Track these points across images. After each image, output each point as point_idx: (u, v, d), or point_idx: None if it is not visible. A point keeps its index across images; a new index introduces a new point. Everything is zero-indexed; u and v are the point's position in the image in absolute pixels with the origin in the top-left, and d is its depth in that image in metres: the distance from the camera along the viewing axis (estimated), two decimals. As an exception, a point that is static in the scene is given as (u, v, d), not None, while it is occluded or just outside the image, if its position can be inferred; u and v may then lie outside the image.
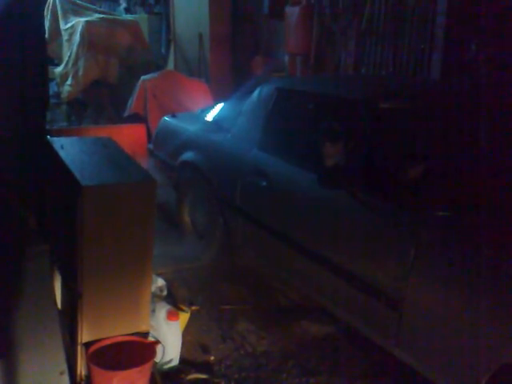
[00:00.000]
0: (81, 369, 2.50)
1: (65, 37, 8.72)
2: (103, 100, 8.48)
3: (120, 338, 2.51)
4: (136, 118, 6.95)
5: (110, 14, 9.66)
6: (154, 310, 2.82)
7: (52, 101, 8.23)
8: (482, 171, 2.62)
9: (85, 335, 2.45)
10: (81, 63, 8.31)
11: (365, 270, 2.71)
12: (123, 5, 11.55)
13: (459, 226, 2.42)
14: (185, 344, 3.00)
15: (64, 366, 2.37)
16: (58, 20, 8.91)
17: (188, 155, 4.24)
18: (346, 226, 2.89)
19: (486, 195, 2.46)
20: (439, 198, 2.52)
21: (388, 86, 3.73)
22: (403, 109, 3.02)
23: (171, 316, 2.84)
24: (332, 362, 3.04)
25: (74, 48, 8.43)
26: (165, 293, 3.11)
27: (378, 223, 2.69)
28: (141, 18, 10.19)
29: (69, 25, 8.69)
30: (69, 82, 8.41)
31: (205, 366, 2.97)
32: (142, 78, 7.27)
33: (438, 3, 5.25)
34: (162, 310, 2.86)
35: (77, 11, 8.96)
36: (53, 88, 8.75)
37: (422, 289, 2.42)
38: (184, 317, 3.05)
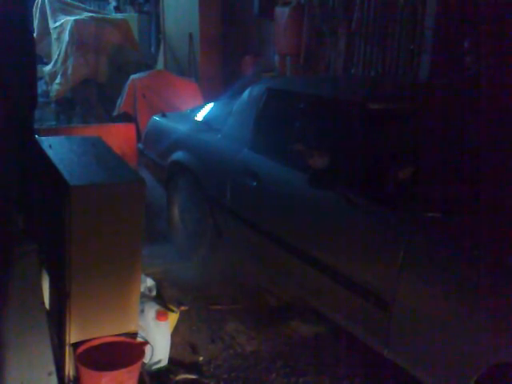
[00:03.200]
0: (69, 369, 2.49)
1: (54, 35, 8.68)
2: (92, 99, 8.44)
3: (108, 339, 2.50)
4: (125, 118, 6.92)
5: (100, 13, 9.62)
6: (142, 311, 2.81)
7: (41, 99, 8.19)
8: (472, 172, 2.63)
9: (73, 335, 2.43)
10: (70, 62, 8.26)
11: (355, 270, 2.71)
12: (113, 3, 11.51)
13: (449, 226, 2.42)
14: (174, 344, 2.99)
15: (52, 367, 2.36)
16: (46, 18, 8.86)
17: (178, 155, 4.23)
18: (336, 226, 2.89)
19: (477, 196, 2.48)
20: (429, 199, 2.53)
21: (378, 86, 3.74)
22: (393, 110, 3.03)
23: (160, 316, 2.83)
24: (321, 362, 3.05)
25: (63, 47, 8.38)
26: (154, 293, 3.10)
27: (368, 224, 2.69)
28: (130, 16, 10.16)
29: (58, 23, 8.64)
30: (58, 80, 8.36)
31: (194, 367, 2.97)
32: (132, 77, 7.24)
33: (427, 4, 5.28)
34: (151, 310, 2.85)
35: (66, 10, 8.91)
36: (42, 87, 8.71)
37: (411, 289, 2.43)
38: (173, 317, 3.04)
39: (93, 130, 5.51)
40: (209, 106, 4.69)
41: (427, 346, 2.37)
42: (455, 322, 2.23)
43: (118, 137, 5.40)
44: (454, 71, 5.02)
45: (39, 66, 8.12)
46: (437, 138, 2.83)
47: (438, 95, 3.40)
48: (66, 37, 8.36)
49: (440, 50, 5.22)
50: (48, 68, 8.62)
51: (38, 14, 9.01)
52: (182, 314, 3.17)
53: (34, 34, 7.69)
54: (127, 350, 2.50)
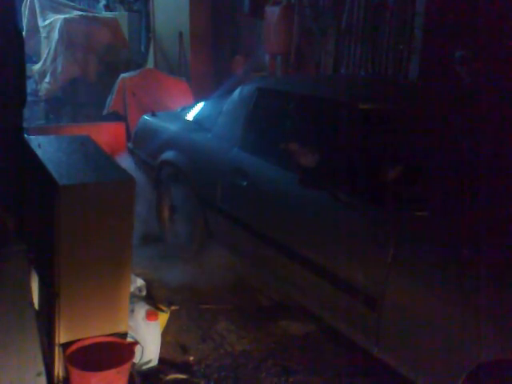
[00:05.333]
0: (58, 370, 2.48)
1: (43, 34, 8.62)
2: (82, 98, 8.39)
3: (98, 339, 2.49)
4: (115, 116, 6.90)
5: (89, 12, 9.56)
6: (132, 311, 2.80)
7: (30, 98, 8.11)
8: (461, 172, 2.65)
9: (62, 336, 2.42)
10: (59, 61, 8.21)
11: (345, 269, 2.72)
12: (102, 2, 11.44)
13: (438, 225, 2.44)
14: (164, 344, 2.98)
15: (41, 367, 2.34)
16: (35, 17, 8.79)
17: (168, 154, 4.22)
18: (326, 225, 2.90)
19: (465, 196, 2.49)
20: (418, 198, 2.54)
21: (368, 87, 3.76)
22: (383, 110, 3.04)
23: (150, 316, 2.82)
24: (311, 361, 3.06)
25: (53, 45, 8.32)
26: (144, 293, 3.10)
27: (358, 223, 2.70)
28: (120, 15, 10.10)
29: (47, 22, 8.58)
30: (47, 79, 8.31)
31: (184, 366, 2.96)
32: (122, 75, 7.21)
33: (416, 4, 5.30)
34: (141, 310, 2.85)
35: (55, 8, 8.85)
36: (31, 85, 8.63)
37: (400, 289, 2.44)
38: (163, 317, 3.04)
39: (82, 129, 5.49)
40: (199, 106, 4.69)
41: (416, 345, 2.39)
42: (444, 321, 2.25)
43: (108, 136, 5.38)
44: (443, 71, 5.05)
45: (28, 65, 8.06)
46: (426, 138, 2.85)
47: (428, 96, 3.42)
48: (55, 35, 8.31)
49: (430, 50, 5.24)
50: (37, 67, 8.56)
51: (27, 13, 8.94)
52: (172, 313, 3.17)
53: (23, 33, 7.64)
54: (117, 351, 2.49)
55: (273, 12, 6.78)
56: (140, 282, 3.12)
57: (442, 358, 2.28)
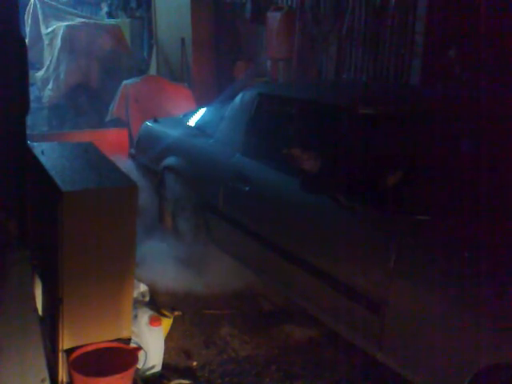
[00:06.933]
0: (62, 376, 2.48)
1: (46, 41, 8.67)
2: (85, 104, 8.43)
3: (102, 345, 2.49)
4: (118, 123, 6.92)
5: (92, 19, 9.62)
6: (136, 316, 2.80)
7: (33, 105, 8.15)
8: (462, 175, 2.65)
9: (66, 342, 2.43)
10: (62, 68, 8.25)
11: (347, 274, 2.72)
12: (105, 9, 11.49)
13: (439, 229, 2.44)
14: (167, 350, 2.99)
15: (45, 373, 2.34)
16: (38, 24, 8.85)
17: (170, 160, 4.23)
18: (328, 230, 2.91)
19: (466, 199, 2.50)
20: (420, 202, 2.55)
21: (369, 91, 3.77)
22: (384, 115, 3.05)
23: (153, 322, 2.82)
24: (315, 366, 3.06)
25: (56, 52, 8.37)
26: (147, 298, 3.10)
27: (360, 228, 2.71)
28: (123, 22, 10.14)
29: (50, 29, 8.64)
30: (50, 86, 8.35)
31: (188, 372, 2.97)
32: (124, 82, 7.25)
33: (417, 8, 5.31)
34: (145, 315, 2.85)
35: (58, 16, 8.91)
36: (34, 92, 8.68)
37: (403, 293, 2.44)
38: (167, 322, 3.04)
39: (85, 136, 5.51)
40: (201, 111, 4.70)
41: (419, 349, 2.38)
42: (446, 325, 2.25)
43: (111, 142, 5.40)
44: (445, 76, 5.05)
45: (31, 72, 8.10)
46: (426, 141, 2.85)
47: (428, 100, 3.43)
48: (58, 43, 8.36)
49: (431, 55, 5.25)
50: (40, 74, 8.61)
51: (29, 20, 9.00)
52: (175, 319, 3.17)
53: (26, 40, 7.68)
54: (120, 356, 2.49)
55: (274, 18, 6.80)
56: (143, 287, 3.12)
57: (445, 362, 2.28)
